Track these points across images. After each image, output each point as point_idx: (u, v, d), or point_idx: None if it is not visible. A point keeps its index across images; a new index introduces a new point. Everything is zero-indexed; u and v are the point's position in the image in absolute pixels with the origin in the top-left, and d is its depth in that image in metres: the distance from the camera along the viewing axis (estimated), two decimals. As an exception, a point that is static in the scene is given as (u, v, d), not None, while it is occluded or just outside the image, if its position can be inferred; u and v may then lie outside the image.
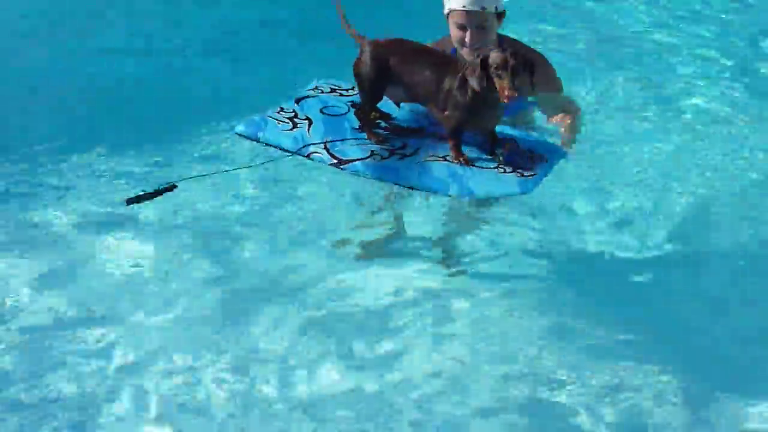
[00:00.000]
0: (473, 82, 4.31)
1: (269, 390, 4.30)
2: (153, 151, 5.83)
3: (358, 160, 4.40)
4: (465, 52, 4.82)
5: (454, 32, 4.82)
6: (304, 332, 4.57)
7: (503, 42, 4.90)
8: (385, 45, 4.53)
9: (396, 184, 4.39)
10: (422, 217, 5.09)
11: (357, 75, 4.54)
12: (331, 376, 4.36)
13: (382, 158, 4.43)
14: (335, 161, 4.39)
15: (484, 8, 4.77)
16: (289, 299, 4.75)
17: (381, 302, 4.75)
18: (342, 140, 4.48)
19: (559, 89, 4.99)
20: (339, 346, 4.50)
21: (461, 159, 4.45)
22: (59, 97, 6.52)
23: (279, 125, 4.54)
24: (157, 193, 4.35)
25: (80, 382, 4.33)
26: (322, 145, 4.44)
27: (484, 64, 4.29)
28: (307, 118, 4.60)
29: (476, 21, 4.77)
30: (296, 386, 4.32)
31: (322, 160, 4.40)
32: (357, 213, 5.17)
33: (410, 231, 5.13)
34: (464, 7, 4.77)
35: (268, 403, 4.25)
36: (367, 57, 4.51)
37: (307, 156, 4.42)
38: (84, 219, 5.29)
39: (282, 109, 4.65)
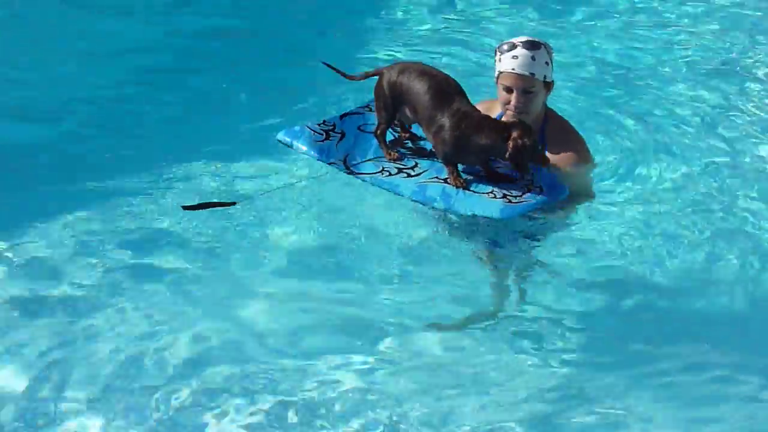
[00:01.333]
0: (485, 140, 4.62)
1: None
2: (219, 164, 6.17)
3: (368, 174, 4.77)
4: (508, 115, 4.98)
5: (501, 94, 4.98)
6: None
7: (548, 119, 5.06)
8: (398, 69, 4.83)
9: (391, 191, 4.73)
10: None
11: (375, 97, 4.89)
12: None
13: (390, 174, 4.77)
14: (348, 171, 4.79)
15: (533, 74, 4.91)
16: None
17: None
18: (363, 159, 4.84)
19: (579, 164, 5.03)
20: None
21: (458, 183, 4.72)
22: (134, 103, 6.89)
23: (313, 135, 4.91)
24: (216, 205, 4.61)
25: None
26: (343, 159, 4.82)
27: (509, 136, 4.61)
28: (342, 133, 4.96)
29: (523, 85, 4.91)
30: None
31: (340, 168, 4.81)
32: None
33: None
34: (513, 70, 4.91)
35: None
36: (383, 81, 4.84)
37: (329, 163, 4.83)
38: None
39: (324, 122, 5.00)
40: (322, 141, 4.89)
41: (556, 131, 5.04)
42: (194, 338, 4.91)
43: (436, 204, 4.63)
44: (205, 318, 5.00)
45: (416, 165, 4.85)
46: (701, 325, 5.17)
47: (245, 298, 5.18)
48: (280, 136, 4.94)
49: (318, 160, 4.83)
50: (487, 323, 5.11)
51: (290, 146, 4.90)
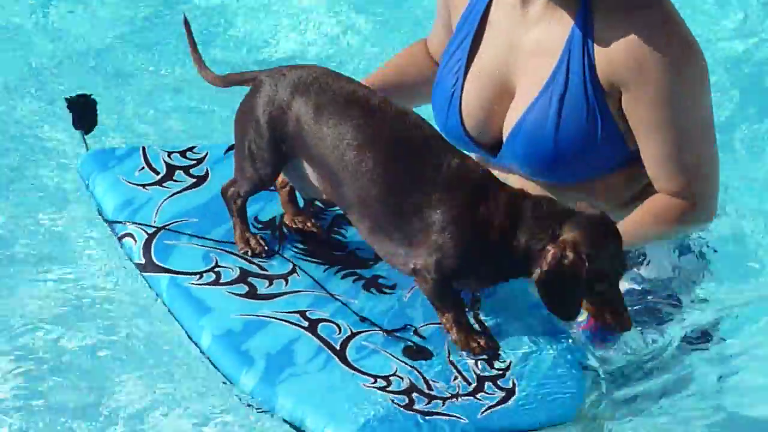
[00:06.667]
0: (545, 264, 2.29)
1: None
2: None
3: (178, 273, 2.51)
4: None
5: None
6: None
7: None
8: (293, 81, 2.44)
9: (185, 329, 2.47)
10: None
11: (236, 132, 2.54)
12: None
13: (216, 281, 2.47)
14: (143, 261, 2.55)
15: None
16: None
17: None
18: (193, 236, 2.60)
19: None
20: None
21: (472, 344, 2.36)
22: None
23: (141, 171, 2.75)
24: None
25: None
26: (152, 228, 2.61)
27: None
28: (202, 177, 2.72)
29: None
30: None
31: (130, 252, 2.58)
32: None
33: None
34: None
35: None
36: (257, 101, 2.47)
37: (119, 238, 2.62)
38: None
39: (191, 149, 2.82)
40: (145, 187, 2.70)
41: (615, 7, 2.51)
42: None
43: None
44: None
45: (293, 272, 2.50)
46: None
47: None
48: (80, 165, 2.82)
49: (108, 220, 2.67)
50: None
51: (86, 185, 2.78)
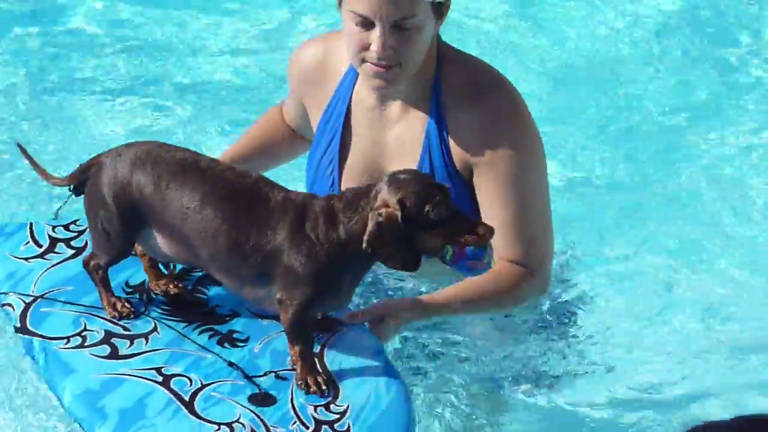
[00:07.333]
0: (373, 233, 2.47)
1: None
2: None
3: (48, 339, 2.71)
4: (365, 73, 2.70)
5: (351, 34, 2.69)
6: None
7: (444, 70, 2.77)
8: (131, 158, 2.64)
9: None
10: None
11: (87, 211, 2.74)
12: None
13: (82, 344, 2.67)
14: (19, 325, 2.76)
15: None
16: None
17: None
18: (66, 302, 2.80)
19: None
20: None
21: (309, 380, 2.55)
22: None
23: (27, 245, 2.94)
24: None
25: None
26: (30, 297, 2.81)
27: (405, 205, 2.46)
28: (77, 249, 2.91)
29: (395, 12, 2.62)
30: None
31: (9, 320, 2.80)
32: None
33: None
34: None
35: None
36: (101, 181, 2.68)
37: (1, 306, 2.82)
38: None
39: (74, 223, 2.99)
40: (27, 260, 2.89)
41: (462, 98, 2.76)
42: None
43: None
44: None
45: (154, 330, 2.70)
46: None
47: None
48: None
49: None
50: None
51: None
